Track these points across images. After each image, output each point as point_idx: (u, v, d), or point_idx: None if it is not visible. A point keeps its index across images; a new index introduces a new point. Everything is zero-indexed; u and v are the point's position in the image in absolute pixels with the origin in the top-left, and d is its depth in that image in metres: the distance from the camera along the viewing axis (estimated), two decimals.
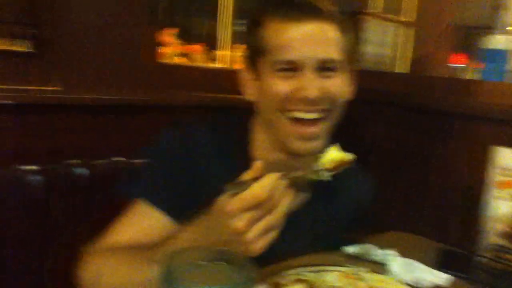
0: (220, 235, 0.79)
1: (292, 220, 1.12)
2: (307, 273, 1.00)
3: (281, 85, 1.00)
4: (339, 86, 1.03)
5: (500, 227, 1.20)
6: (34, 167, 1.32)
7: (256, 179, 0.78)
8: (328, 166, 0.86)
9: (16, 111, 1.40)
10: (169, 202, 1.02)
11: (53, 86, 1.55)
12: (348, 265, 1.06)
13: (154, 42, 1.86)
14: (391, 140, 1.58)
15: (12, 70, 1.51)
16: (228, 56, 2.55)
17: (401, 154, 1.56)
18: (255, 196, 0.75)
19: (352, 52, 1.08)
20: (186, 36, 2.54)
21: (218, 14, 2.43)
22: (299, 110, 1.01)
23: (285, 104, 1.01)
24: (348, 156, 0.87)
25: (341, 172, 1.20)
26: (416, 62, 1.46)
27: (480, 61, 1.41)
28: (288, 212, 0.80)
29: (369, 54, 1.92)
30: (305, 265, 1.03)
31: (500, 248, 1.18)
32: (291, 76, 1.00)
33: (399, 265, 1.10)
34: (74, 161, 1.40)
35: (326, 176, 0.88)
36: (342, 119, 1.09)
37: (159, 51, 2.31)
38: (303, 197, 1.18)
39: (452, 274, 1.11)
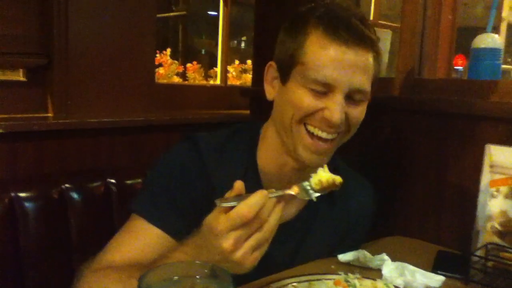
0: (209, 255, 0.79)
1: (289, 230, 1.16)
2: (297, 284, 1.00)
3: (309, 101, 0.99)
4: (361, 113, 1.04)
5: (493, 225, 1.19)
6: (28, 194, 1.34)
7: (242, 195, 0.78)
8: (315, 186, 0.88)
9: (8, 139, 1.41)
10: (168, 220, 1.02)
11: (44, 113, 1.58)
12: (340, 273, 1.06)
13: (152, 64, 1.89)
14: (385, 146, 1.58)
15: (5, 99, 1.54)
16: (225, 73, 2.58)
17: (396, 159, 1.55)
18: (242, 215, 0.75)
19: (377, 80, 1.07)
20: (182, 55, 2.59)
21: (220, 32, 2.45)
22: (319, 128, 1.01)
23: (307, 119, 1.01)
24: (336, 179, 0.88)
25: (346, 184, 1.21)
26: (402, 65, 1.45)
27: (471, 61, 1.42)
28: (276, 228, 0.80)
29: None
30: (295, 276, 1.03)
31: (494, 246, 1.16)
32: (320, 95, 0.99)
33: (391, 269, 1.10)
34: (67, 185, 1.42)
35: (313, 196, 0.89)
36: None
37: (157, 72, 2.36)
38: (298, 208, 1.17)
39: (445, 275, 1.11)
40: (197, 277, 0.67)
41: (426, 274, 1.10)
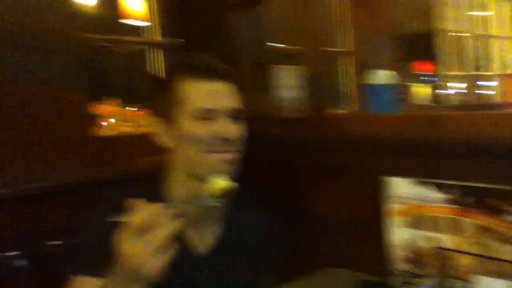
0: (124, 268, 0.91)
1: (210, 260, 1.27)
2: None
3: (201, 129, 1.17)
4: (243, 129, 1.23)
5: (402, 253, 1.26)
6: None
7: None
8: (214, 193, 1.04)
9: None
10: (97, 268, 1.05)
11: None
12: None
13: (87, 119, 1.91)
14: (299, 181, 1.67)
15: None
16: None
17: (312, 194, 1.65)
18: (134, 223, 0.88)
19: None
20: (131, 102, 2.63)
21: None
22: (217, 151, 1.18)
23: (206, 145, 1.17)
24: (231, 184, 1.05)
25: (241, 215, 1.35)
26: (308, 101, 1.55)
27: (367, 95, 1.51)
28: (169, 235, 0.91)
29: (284, 99, 2.01)
30: None
31: (407, 274, 1.24)
32: (208, 122, 1.18)
33: None
34: (13, 253, 1.46)
35: (212, 202, 1.05)
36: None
37: (100, 122, 2.38)
38: (214, 240, 1.30)
39: None
40: None
41: None
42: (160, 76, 1.32)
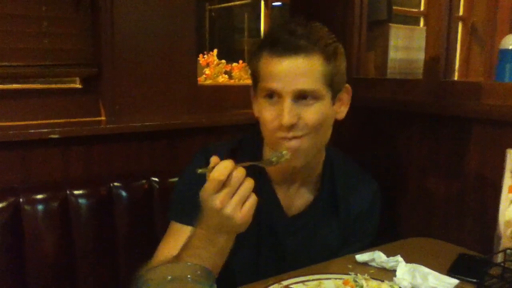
0: (211, 220, 0.97)
1: (299, 222, 1.28)
2: (307, 282, 1.08)
3: (267, 111, 1.15)
4: (314, 114, 1.14)
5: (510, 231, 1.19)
6: (80, 192, 1.51)
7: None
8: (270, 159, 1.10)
9: (62, 143, 1.58)
10: (196, 218, 1.11)
11: (98, 118, 1.75)
12: (350, 273, 1.12)
13: (194, 67, 1.99)
14: (409, 148, 1.60)
15: (63, 105, 1.71)
16: None
17: (420, 162, 1.57)
18: (216, 177, 0.92)
19: (338, 78, 1.19)
20: (227, 55, 2.68)
21: (262, 30, 2.53)
22: (281, 136, 1.14)
23: (268, 130, 1.17)
24: (284, 158, 1.09)
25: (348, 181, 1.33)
26: (428, 65, 1.45)
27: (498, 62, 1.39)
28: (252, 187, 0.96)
29: (397, 61, 1.92)
30: (307, 275, 1.11)
31: (511, 252, 1.17)
32: (274, 103, 1.14)
33: (404, 271, 1.14)
34: (115, 184, 1.57)
35: (267, 164, 1.14)
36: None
37: (203, 72, 2.47)
38: (306, 203, 1.30)
39: (460, 279, 1.13)
40: (189, 276, 0.76)
41: (440, 277, 1.13)
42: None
